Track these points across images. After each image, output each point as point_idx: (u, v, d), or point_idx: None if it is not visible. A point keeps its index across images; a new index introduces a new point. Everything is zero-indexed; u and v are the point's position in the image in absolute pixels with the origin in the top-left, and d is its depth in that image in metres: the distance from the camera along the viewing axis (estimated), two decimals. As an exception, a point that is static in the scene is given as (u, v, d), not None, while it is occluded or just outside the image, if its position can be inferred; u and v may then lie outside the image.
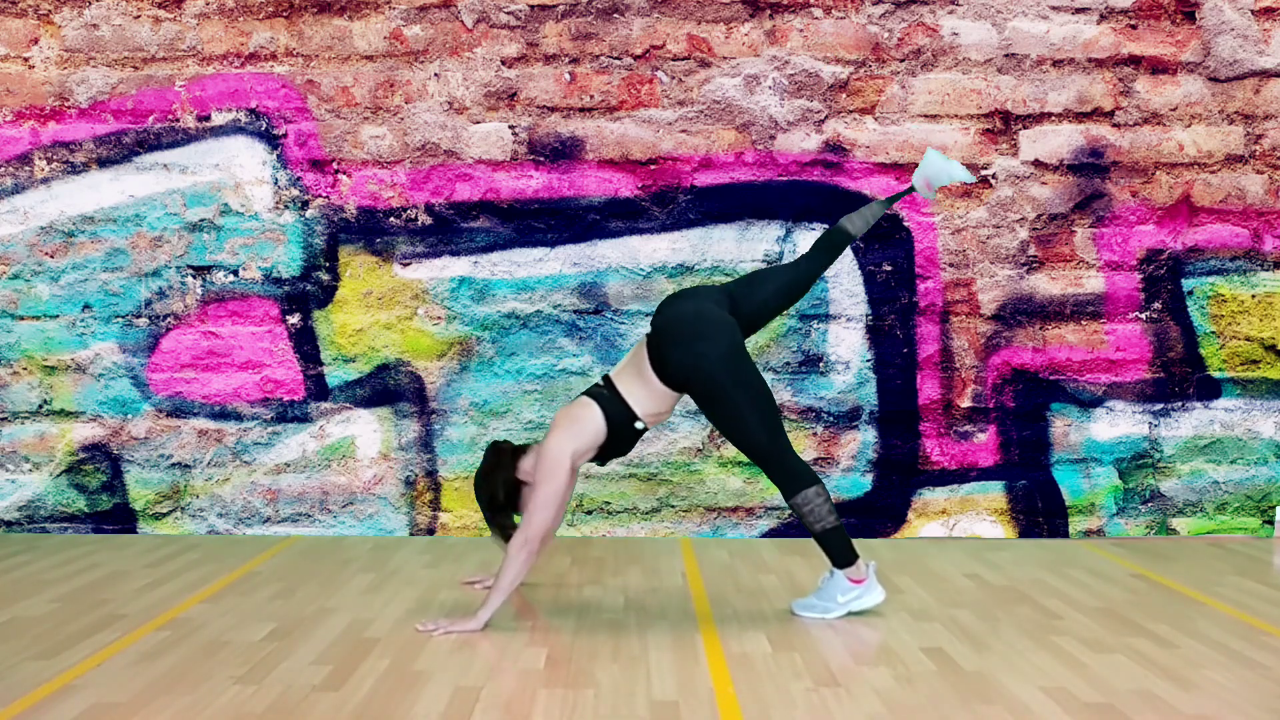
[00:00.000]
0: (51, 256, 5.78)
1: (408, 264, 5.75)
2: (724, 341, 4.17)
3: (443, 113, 5.73)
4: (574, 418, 4.22)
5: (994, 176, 5.76)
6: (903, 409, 5.78)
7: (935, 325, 5.78)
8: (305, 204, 5.76)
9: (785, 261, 4.43)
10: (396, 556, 5.33)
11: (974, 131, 5.75)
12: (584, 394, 4.31)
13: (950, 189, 5.74)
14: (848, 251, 5.75)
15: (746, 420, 4.16)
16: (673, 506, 5.80)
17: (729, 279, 5.72)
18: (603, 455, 4.31)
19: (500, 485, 4.27)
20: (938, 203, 5.76)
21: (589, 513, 5.80)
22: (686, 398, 4.32)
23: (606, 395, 4.24)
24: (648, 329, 4.28)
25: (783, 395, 5.76)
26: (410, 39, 5.72)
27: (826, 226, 5.73)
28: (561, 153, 5.73)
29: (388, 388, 5.77)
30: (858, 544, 5.43)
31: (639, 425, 4.24)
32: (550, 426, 4.26)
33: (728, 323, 4.22)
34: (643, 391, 4.23)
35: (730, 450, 5.76)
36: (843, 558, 4.27)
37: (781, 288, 4.38)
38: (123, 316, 5.78)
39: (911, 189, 4.53)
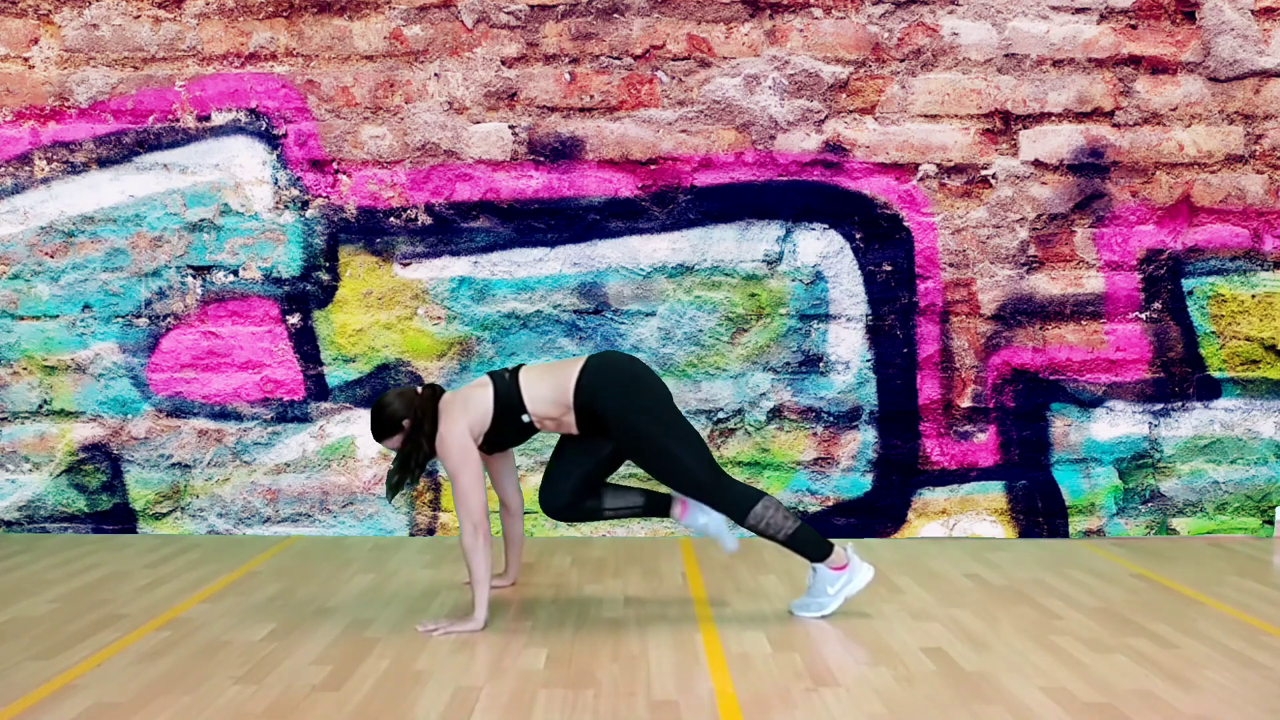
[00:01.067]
0: (51, 256, 5.78)
1: (408, 264, 5.75)
2: (657, 392, 4.23)
3: (443, 113, 5.73)
4: (464, 397, 4.23)
5: (994, 176, 5.76)
6: (903, 409, 5.78)
7: (935, 325, 5.78)
8: (305, 204, 5.76)
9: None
10: (396, 556, 5.33)
11: (974, 131, 5.75)
12: (487, 374, 4.33)
13: (951, 189, 5.74)
14: (848, 251, 5.76)
15: (684, 463, 4.18)
16: (673, 506, 5.79)
17: (729, 279, 5.73)
18: (490, 443, 4.31)
19: (412, 461, 4.23)
20: (938, 203, 5.76)
21: (589, 513, 5.79)
22: None
23: (505, 381, 4.25)
24: (591, 351, 4.28)
25: (783, 395, 5.76)
26: (410, 39, 5.72)
27: (826, 226, 5.75)
28: (561, 153, 5.73)
29: (388, 387, 5.77)
30: (858, 544, 5.43)
31: (525, 418, 4.24)
32: (440, 411, 4.22)
33: (660, 381, 4.29)
34: (548, 396, 4.22)
35: (730, 451, 5.75)
36: (817, 552, 4.28)
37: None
38: (123, 316, 5.78)
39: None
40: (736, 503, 4.22)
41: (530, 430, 4.30)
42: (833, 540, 4.39)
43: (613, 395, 4.17)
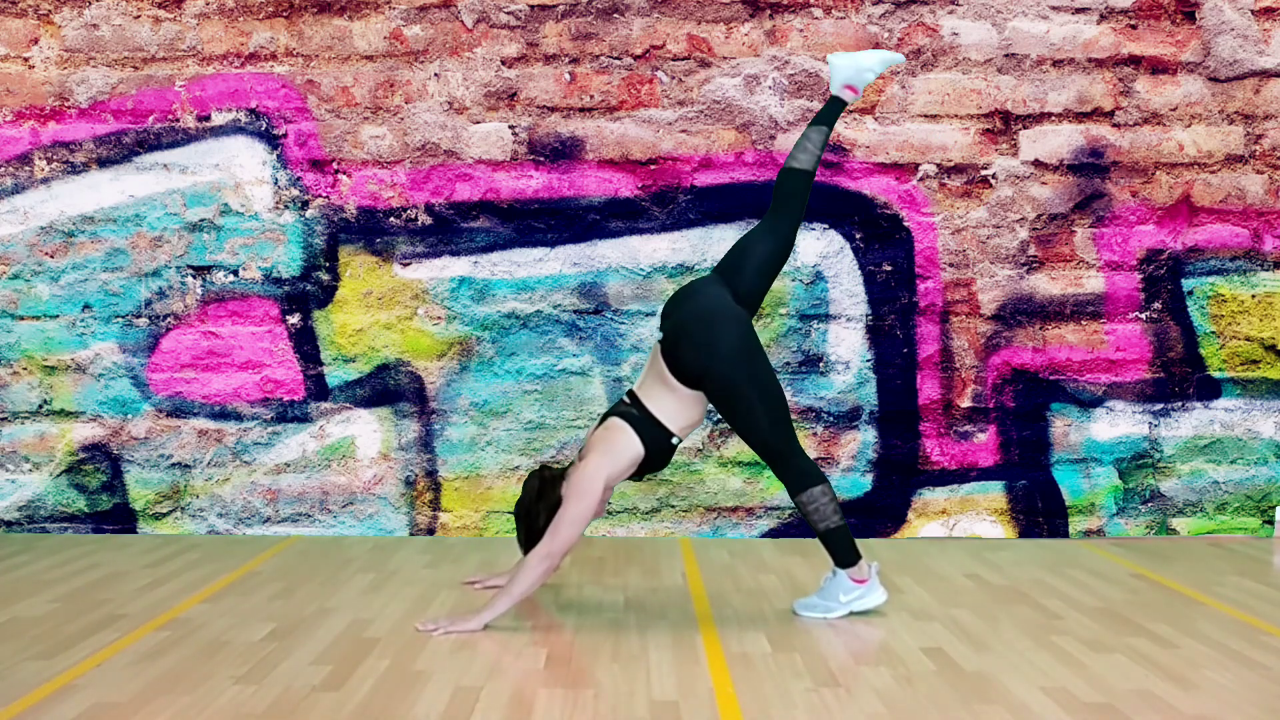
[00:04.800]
0: (51, 256, 5.78)
1: (408, 264, 5.76)
2: (735, 336, 4.18)
3: (443, 113, 5.73)
4: (610, 442, 4.21)
5: (994, 176, 5.76)
6: (903, 409, 5.78)
7: (935, 325, 5.78)
8: (305, 204, 5.76)
9: (758, 226, 4.42)
10: (396, 556, 5.33)
11: (974, 131, 5.75)
12: (613, 413, 4.28)
13: (951, 189, 5.74)
14: (848, 251, 5.75)
15: (757, 416, 4.17)
16: (673, 506, 5.79)
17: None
18: (640, 472, 4.32)
19: (543, 513, 4.22)
20: (938, 203, 5.76)
21: (589, 513, 5.79)
22: None
23: (637, 415, 4.23)
24: (659, 336, 4.26)
25: (783, 395, 5.76)
26: (410, 39, 5.72)
27: (826, 226, 5.76)
28: (561, 153, 5.73)
29: (388, 388, 5.77)
30: (858, 544, 5.43)
31: (675, 440, 4.26)
32: (587, 447, 4.25)
33: (738, 316, 4.23)
34: (672, 403, 4.23)
35: (730, 451, 5.75)
36: (846, 558, 4.28)
37: (769, 255, 4.34)
38: (123, 316, 5.78)
39: (840, 101, 4.40)
40: (800, 475, 4.21)
41: (677, 446, 4.30)
42: (862, 554, 4.38)
43: (691, 354, 4.16)
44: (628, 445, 4.20)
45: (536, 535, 4.22)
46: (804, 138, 4.38)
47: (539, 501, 4.24)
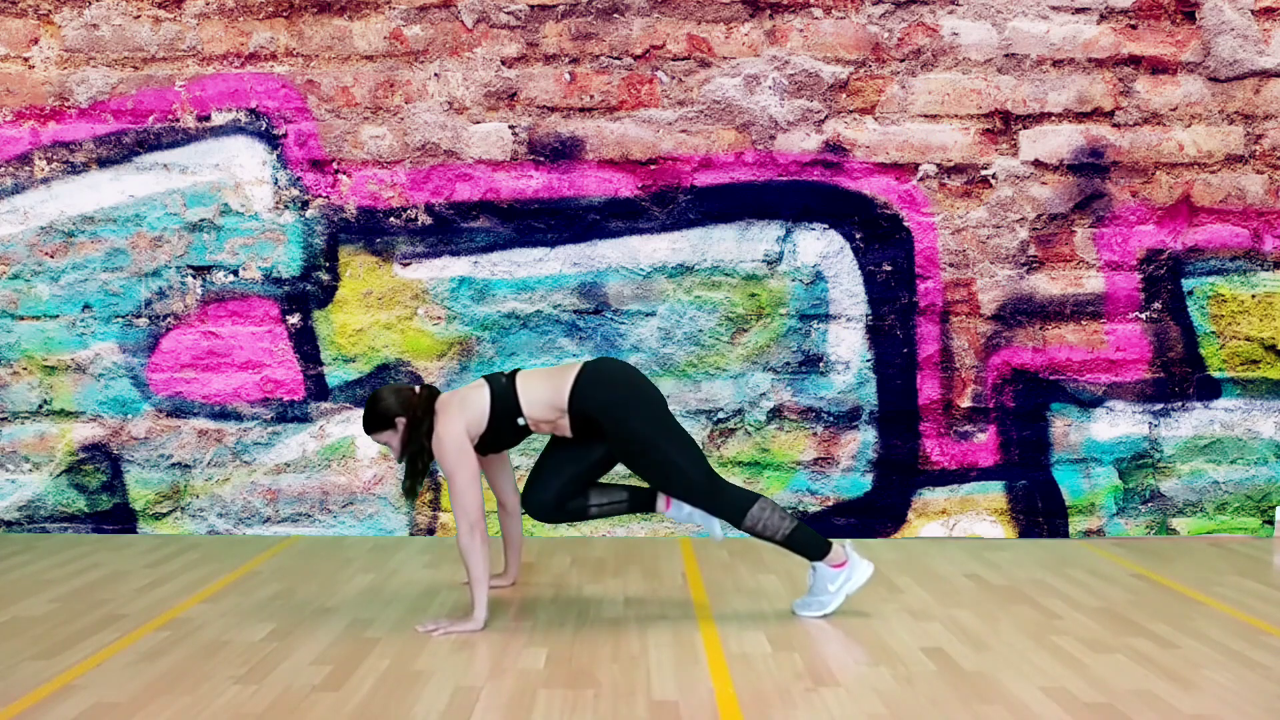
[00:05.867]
0: (51, 256, 5.78)
1: (408, 264, 5.76)
2: (652, 397, 4.24)
3: (443, 113, 5.73)
4: (461, 398, 4.24)
5: (994, 176, 5.76)
6: (903, 409, 5.78)
7: (935, 325, 5.78)
8: (305, 204, 5.76)
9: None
10: (396, 556, 5.33)
11: (974, 131, 5.75)
12: (483, 377, 4.36)
13: (951, 189, 5.74)
14: (848, 251, 5.76)
15: (679, 467, 4.19)
16: (673, 506, 5.79)
17: (729, 279, 5.73)
18: (485, 445, 4.31)
19: (401, 420, 4.22)
20: (938, 203, 5.76)
21: (589, 513, 5.79)
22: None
23: (502, 384, 4.26)
24: (591, 357, 4.28)
25: (783, 395, 5.76)
26: (410, 39, 5.72)
27: (826, 226, 5.75)
28: (561, 153, 5.73)
29: (388, 388, 5.77)
30: (858, 544, 5.43)
31: (521, 421, 4.25)
32: (437, 411, 4.22)
33: (652, 389, 4.29)
34: (542, 399, 4.22)
35: (729, 451, 5.75)
36: (815, 551, 4.28)
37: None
38: (123, 316, 5.78)
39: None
40: (733, 505, 4.22)
41: (525, 433, 4.31)
42: (830, 539, 4.39)
43: (608, 400, 4.17)
44: (480, 398, 4.22)
45: (375, 419, 4.23)
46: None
47: (409, 411, 4.21)
